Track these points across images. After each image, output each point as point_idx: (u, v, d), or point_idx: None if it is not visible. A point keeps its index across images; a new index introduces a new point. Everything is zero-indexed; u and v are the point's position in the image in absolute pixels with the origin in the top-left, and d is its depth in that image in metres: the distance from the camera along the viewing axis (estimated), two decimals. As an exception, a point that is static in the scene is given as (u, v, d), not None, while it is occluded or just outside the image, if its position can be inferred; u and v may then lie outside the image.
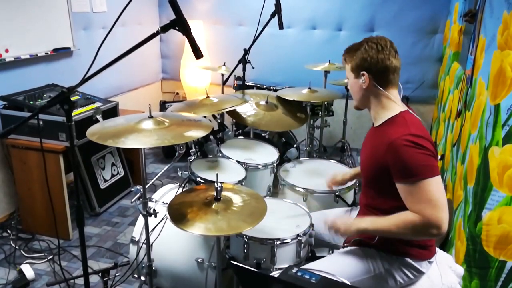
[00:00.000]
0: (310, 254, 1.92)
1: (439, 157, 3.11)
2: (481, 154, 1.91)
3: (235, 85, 4.09)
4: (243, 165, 2.30)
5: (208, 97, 2.45)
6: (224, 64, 3.43)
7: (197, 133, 1.66)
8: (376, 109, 1.65)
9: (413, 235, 1.51)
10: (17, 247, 2.75)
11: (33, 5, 3.12)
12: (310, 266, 1.66)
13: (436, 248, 1.71)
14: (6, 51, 2.93)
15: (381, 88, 1.60)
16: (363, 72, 1.61)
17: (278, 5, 2.86)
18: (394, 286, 1.64)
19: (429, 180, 1.43)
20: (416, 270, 1.63)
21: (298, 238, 1.78)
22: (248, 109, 2.61)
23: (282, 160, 2.64)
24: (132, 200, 1.77)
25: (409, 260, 1.62)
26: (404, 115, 1.58)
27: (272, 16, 2.87)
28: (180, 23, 1.46)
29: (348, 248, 1.73)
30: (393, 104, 1.61)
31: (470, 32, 2.61)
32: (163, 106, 4.31)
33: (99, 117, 2.96)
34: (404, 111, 1.60)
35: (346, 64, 1.71)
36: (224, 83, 3.30)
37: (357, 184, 2.32)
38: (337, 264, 1.66)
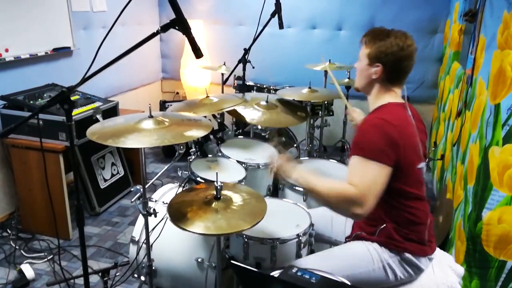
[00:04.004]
0: (310, 254, 1.92)
1: (440, 156, 3.11)
2: (481, 153, 1.91)
3: (235, 84, 4.09)
4: (243, 165, 2.30)
5: (208, 96, 2.45)
6: (224, 64, 3.43)
7: (197, 133, 1.66)
8: (373, 97, 1.69)
9: (335, 204, 1.52)
10: (17, 247, 2.75)
11: (33, 5, 3.11)
12: (310, 260, 1.67)
13: (436, 248, 1.72)
14: (6, 50, 2.93)
15: (388, 83, 1.64)
16: (379, 64, 1.61)
17: (278, 5, 2.86)
18: (394, 281, 1.65)
19: (373, 163, 1.48)
20: (416, 266, 1.64)
21: (298, 238, 1.78)
22: (248, 108, 2.61)
23: (282, 159, 2.63)
24: (132, 200, 1.77)
25: (408, 255, 1.62)
26: (391, 106, 1.62)
27: (272, 15, 2.87)
28: (180, 23, 1.46)
29: (350, 242, 1.74)
30: (388, 97, 1.65)
31: (470, 32, 2.61)
32: (163, 105, 4.31)
33: (99, 116, 2.95)
34: (395, 103, 1.63)
35: (364, 46, 1.67)
36: (224, 82, 3.30)
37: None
38: (337, 258, 1.68)
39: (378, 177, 1.48)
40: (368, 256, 1.65)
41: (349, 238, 1.78)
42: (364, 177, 1.47)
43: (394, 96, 1.65)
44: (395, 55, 1.59)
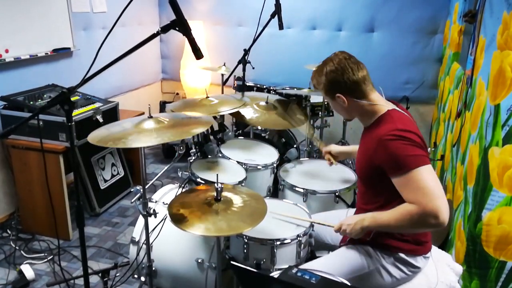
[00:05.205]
0: (310, 255, 1.92)
1: (439, 157, 3.11)
2: (481, 154, 1.91)
3: (235, 85, 4.08)
4: (243, 166, 2.30)
5: (208, 97, 2.45)
6: (224, 65, 3.43)
7: (197, 130, 1.66)
8: (363, 115, 1.70)
9: (412, 226, 1.50)
10: (17, 247, 2.75)
11: (33, 5, 3.12)
12: (307, 266, 1.66)
13: (433, 246, 1.72)
14: (6, 51, 2.93)
15: (361, 101, 1.65)
16: (338, 94, 1.67)
17: (278, 6, 2.86)
18: (390, 282, 1.65)
19: (419, 169, 1.46)
20: (411, 265, 1.64)
21: (298, 238, 1.78)
22: (248, 110, 2.61)
23: (282, 160, 2.64)
24: (132, 201, 1.77)
25: (403, 255, 1.63)
26: (391, 113, 1.62)
27: (272, 16, 2.87)
28: (180, 24, 1.46)
29: (344, 247, 1.74)
30: (377, 107, 1.65)
31: (470, 32, 2.61)
32: (163, 106, 4.31)
33: (99, 117, 2.96)
34: (391, 109, 1.64)
35: (316, 89, 1.77)
36: (224, 83, 3.30)
37: (357, 185, 2.32)
38: (333, 263, 1.67)
39: (429, 178, 1.46)
40: (362, 260, 1.65)
41: (342, 243, 1.78)
42: (420, 189, 1.45)
43: (382, 102, 1.66)
44: (342, 80, 1.63)
